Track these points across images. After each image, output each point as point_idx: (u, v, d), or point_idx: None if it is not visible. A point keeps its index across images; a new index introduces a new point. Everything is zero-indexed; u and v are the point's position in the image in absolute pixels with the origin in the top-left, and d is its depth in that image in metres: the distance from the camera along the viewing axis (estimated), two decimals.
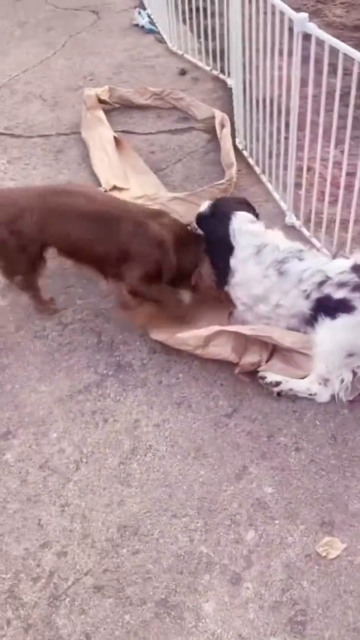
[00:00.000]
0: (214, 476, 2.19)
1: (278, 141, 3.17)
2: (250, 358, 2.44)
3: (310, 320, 2.39)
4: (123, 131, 3.99)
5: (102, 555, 2.01)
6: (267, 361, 2.46)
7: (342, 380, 2.33)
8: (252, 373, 2.47)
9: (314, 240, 3.02)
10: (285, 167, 3.11)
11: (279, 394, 2.40)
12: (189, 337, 2.48)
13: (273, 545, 2.00)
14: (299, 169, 3.07)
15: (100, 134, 3.83)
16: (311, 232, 3.04)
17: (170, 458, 2.25)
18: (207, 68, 4.53)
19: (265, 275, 2.46)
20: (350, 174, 2.77)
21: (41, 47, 5.07)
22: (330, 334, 2.32)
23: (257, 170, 3.54)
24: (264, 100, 3.19)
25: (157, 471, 2.22)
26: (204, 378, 2.51)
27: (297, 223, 3.14)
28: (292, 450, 2.25)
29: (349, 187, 2.82)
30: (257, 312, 2.52)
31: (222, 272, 2.54)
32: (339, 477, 2.15)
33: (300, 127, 2.92)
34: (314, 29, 2.47)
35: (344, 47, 2.34)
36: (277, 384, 2.41)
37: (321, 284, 2.35)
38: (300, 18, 2.50)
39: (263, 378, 2.42)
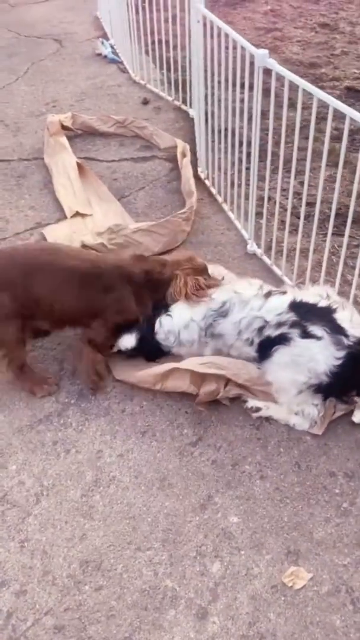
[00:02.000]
0: (178, 507, 2.15)
1: (239, 171, 3.23)
2: (208, 387, 2.44)
3: (260, 355, 2.40)
4: (86, 158, 4.00)
5: (63, 592, 1.94)
6: (224, 387, 2.46)
7: (310, 414, 2.34)
8: (214, 401, 2.46)
9: (275, 269, 3.08)
10: (247, 197, 3.17)
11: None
12: (147, 375, 2.49)
13: (239, 577, 1.97)
14: (260, 199, 3.13)
15: (63, 160, 3.82)
16: (272, 260, 3.09)
17: (134, 489, 2.21)
18: (169, 98, 4.61)
19: (204, 342, 2.50)
20: (310, 204, 2.85)
21: (3, 73, 5.07)
22: (274, 375, 2.35)
23: (219, 199, 3.59)
24: (226, 131, 3.26)
25: (120, 503, 2.17)
26: (168, 406, 2.49)
27: (259, 251, 3.19)
28: (256, 479, 2.24)
29: (309, 217, 2.90)
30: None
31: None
32: (303, 505, 2.15)
33: (261, 158, 2.99)
34: (274, 64, 2.55)
35: (303, 83, 2.42)
36: (258, 409, 2.42)
37: (261, 329, 2.35)
38: (261, 54, 2.58)
39: (245, 402, 2.43)
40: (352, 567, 1.98)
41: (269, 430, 2.40)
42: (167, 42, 4.55)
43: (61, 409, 2.49)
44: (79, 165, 3.78)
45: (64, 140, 4.00)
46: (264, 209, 3.09)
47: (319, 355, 2.22)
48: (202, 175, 3.79)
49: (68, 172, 3.73)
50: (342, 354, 2.20)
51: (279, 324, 2.29)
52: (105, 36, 5.57)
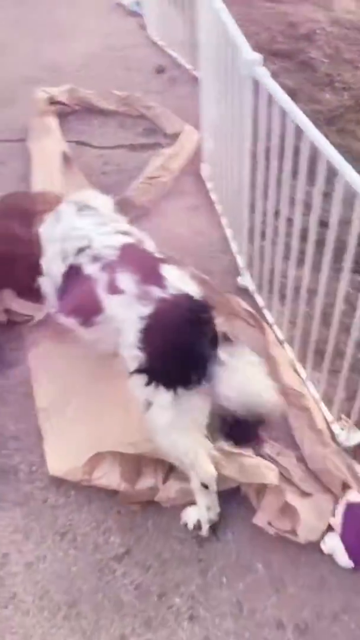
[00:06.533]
0: None
1: None
2: (146, 482, 2.00)
3: (60, 288, 1.98)
4: (77, 142, 3.44)
5: None
6: (163, 482, 2.01)
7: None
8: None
9: None
10: None
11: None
12: (67, 471, 2.06)
13: None
14: None
15: (46, 148, 3.28)
16: None
17: (36, 615, 1.83)
18: (189, 67, 3.90)
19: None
20: None
21: (4, 28, 4.44)
22: None
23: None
24: None
25: (15, 633, 1.81)
26: (99, 500, 2.06)
27: None
28: (184, 619, 1.82)
29: None
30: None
31: None
32: None
33: None
34: None
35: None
36: (199, 525, 1.97)
37: (81, 250, 1.93)
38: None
39: (185, 524, 1.99)
40: None
41: (213, 551, 1.95)
42: None
43: None
44: (65, 155, 3.23)
45: (52, 121, 3.44)
46: None
47: None
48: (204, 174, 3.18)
49: (51, 162, 3.20)
50: None
51: (97, 258, 1.90)
52: None
